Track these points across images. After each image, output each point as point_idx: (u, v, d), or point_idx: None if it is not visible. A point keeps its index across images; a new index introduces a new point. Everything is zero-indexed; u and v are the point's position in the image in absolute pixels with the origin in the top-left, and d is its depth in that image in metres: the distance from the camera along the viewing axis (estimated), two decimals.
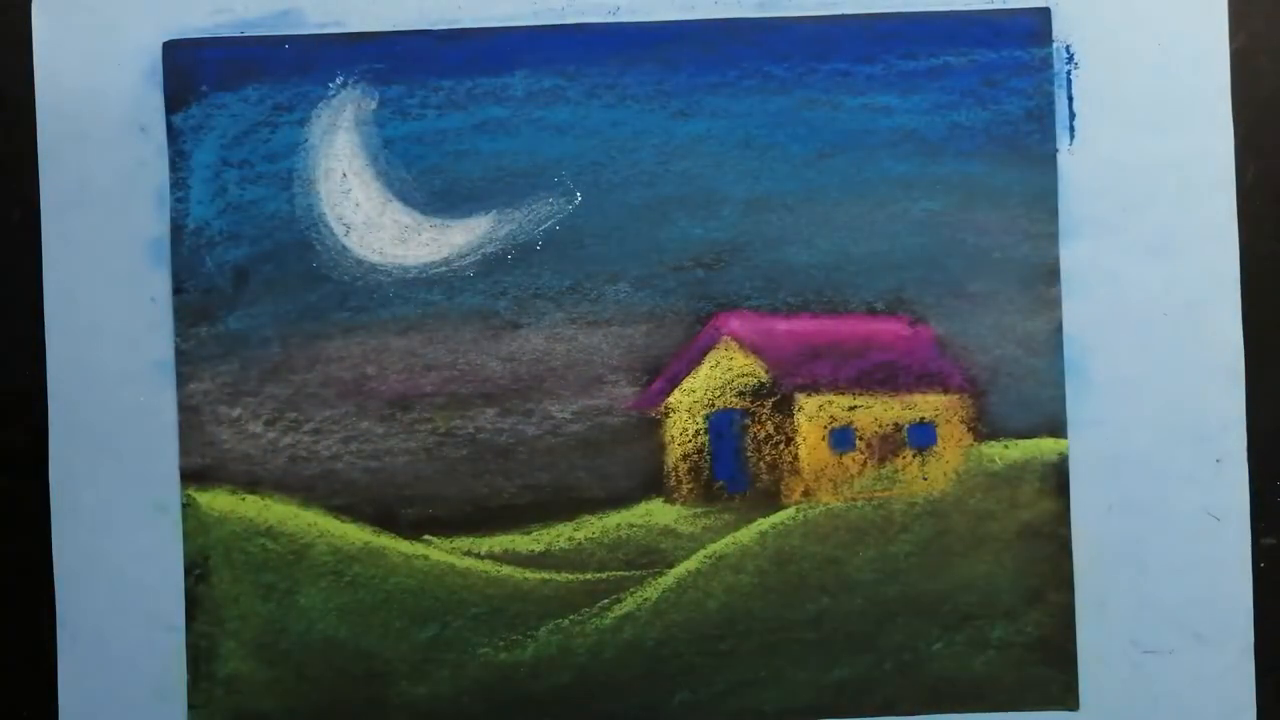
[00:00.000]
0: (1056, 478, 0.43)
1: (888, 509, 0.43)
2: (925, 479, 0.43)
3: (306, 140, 0.43)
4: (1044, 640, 0.43)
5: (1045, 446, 0.43)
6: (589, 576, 0.43)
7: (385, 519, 0.43)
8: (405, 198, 0.43)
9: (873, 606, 0.43)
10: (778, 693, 0.43)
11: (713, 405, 0.43)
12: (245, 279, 0.43)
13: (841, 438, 0.43)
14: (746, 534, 0.43)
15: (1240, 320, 0.43)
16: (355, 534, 0.43)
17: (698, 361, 0.43)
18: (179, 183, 0.43)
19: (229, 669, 0.43)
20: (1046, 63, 0.43)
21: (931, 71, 0.43)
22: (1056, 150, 0.43)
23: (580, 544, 0.43)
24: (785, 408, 0.43)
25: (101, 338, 0.43)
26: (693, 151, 0.43)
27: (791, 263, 0.43)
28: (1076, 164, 0.43)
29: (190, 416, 0.43)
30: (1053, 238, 0.43)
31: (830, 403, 0.43)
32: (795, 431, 0.43)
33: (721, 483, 0.43)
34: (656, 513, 0.43)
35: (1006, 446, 0.43)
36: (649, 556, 0.43)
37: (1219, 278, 0.43)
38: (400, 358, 0.43)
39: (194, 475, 0.43)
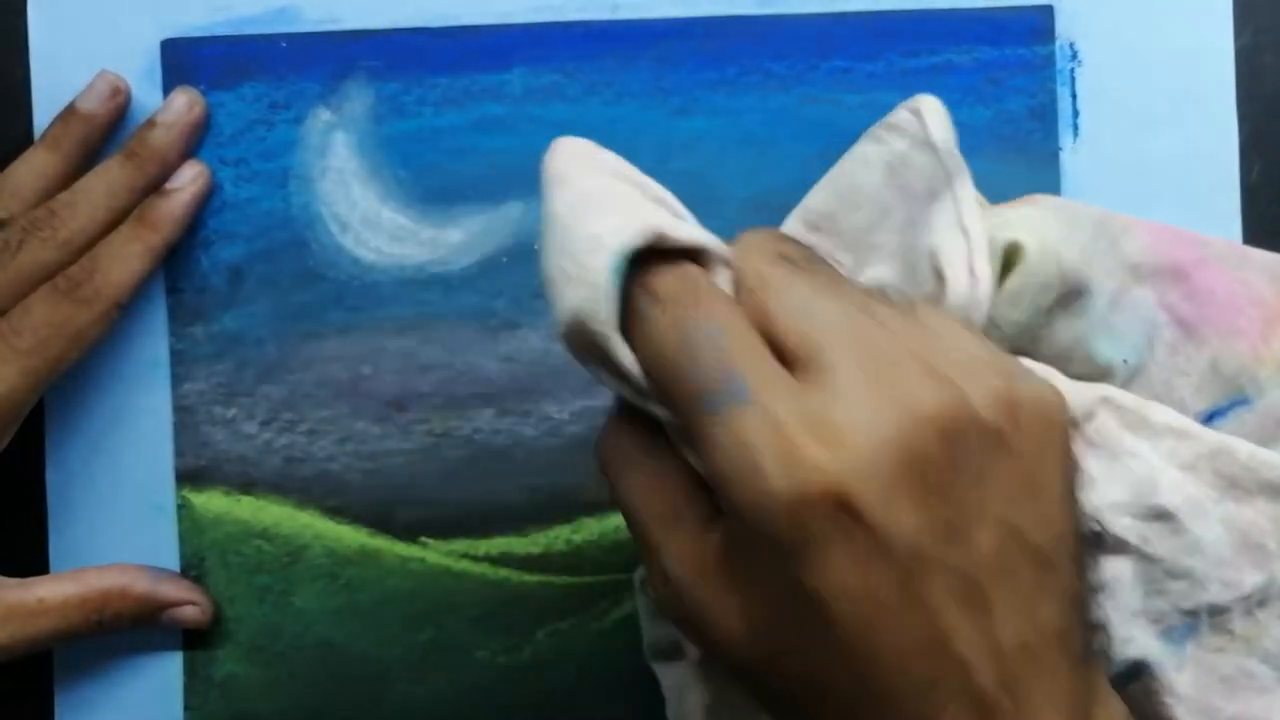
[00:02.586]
0: None
1: None
2: None
3: (303, 138, 0.43)
4: None
5: None
6: (587, 579, 0.43)
7: (381, 521, 0.43)
8: (402, 196, 0.43)
9: None
10: None
11: None
12: (240, 278, 0.43)
13: None
14: None
15: None
16: (351, 536, 0.43)
17: None
18: None
19: (225, 671, 0.43)
20: (1050, 60, 0.43)
21: (933, 69, 0.43)
22: (1060, 148, 0.43)
23: (579, 547, 0.43)
24: None
25: None
26: (692, 149, 0.43)
27: None
28: (1080, 162, 0.43)
29: (185, 417, 0.43)
30: None
31: None
32: None
33: None
34: None
35: None
36: None
37: None
38: (396, 358, 0.43)
39: (189, 476, 0.43)
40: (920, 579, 0.27)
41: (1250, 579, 0.35)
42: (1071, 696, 0.29)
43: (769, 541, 0.27)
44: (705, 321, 0.28)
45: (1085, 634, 0.30)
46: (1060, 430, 0.30)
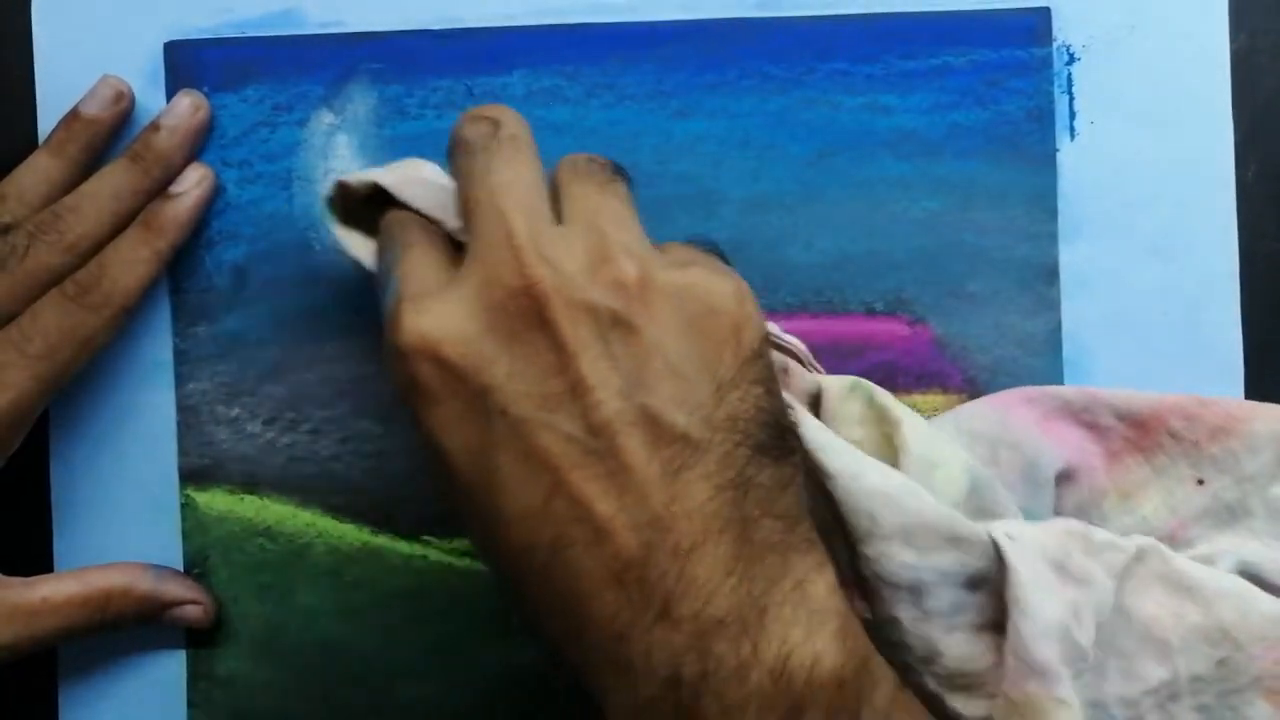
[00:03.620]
0: None
1: None
2: None
3: (306, 140, 0.43)
4: None
5: None
6: None
7: (384, 519, 0.43)
8: None
9: None
10: None
11: None
12: (244, 278, 0.43)
13: None
14: None
15: (1240, 320, 0.43)
16: (354, 534, 0.43)
17: None
18: None
19: (228, 669, 0.43)
20: (1047, 62, 0.43)
21: (931, 71, 0.43)
22: (1056, 150, 0.43)
23: None
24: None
25: None
26: (691, 151, 0.43)
27: (790, 262, 0.43)
28: (1077, 164, 0.43)
29: (189, 416, 0.43)
30: (1052, 237, 0.43)
31: None
32: None
33: None
34: None
35: None
36: None
37: (1219, 277, 0.43)
38: None
39: (192, 475, 0.43)
40: (529, 438, 0.31)
41: (1155, 673, 0.36)
42: (738, 575, 0.30)
43: (399, 394, 0.33)
44: (391, 240, 0.35)
45: (772, 524, 0.31)
46: (718, 320, 0.32)
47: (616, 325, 0.31)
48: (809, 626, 0.30)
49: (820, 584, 0.31)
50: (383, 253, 0.36)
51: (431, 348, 0.31)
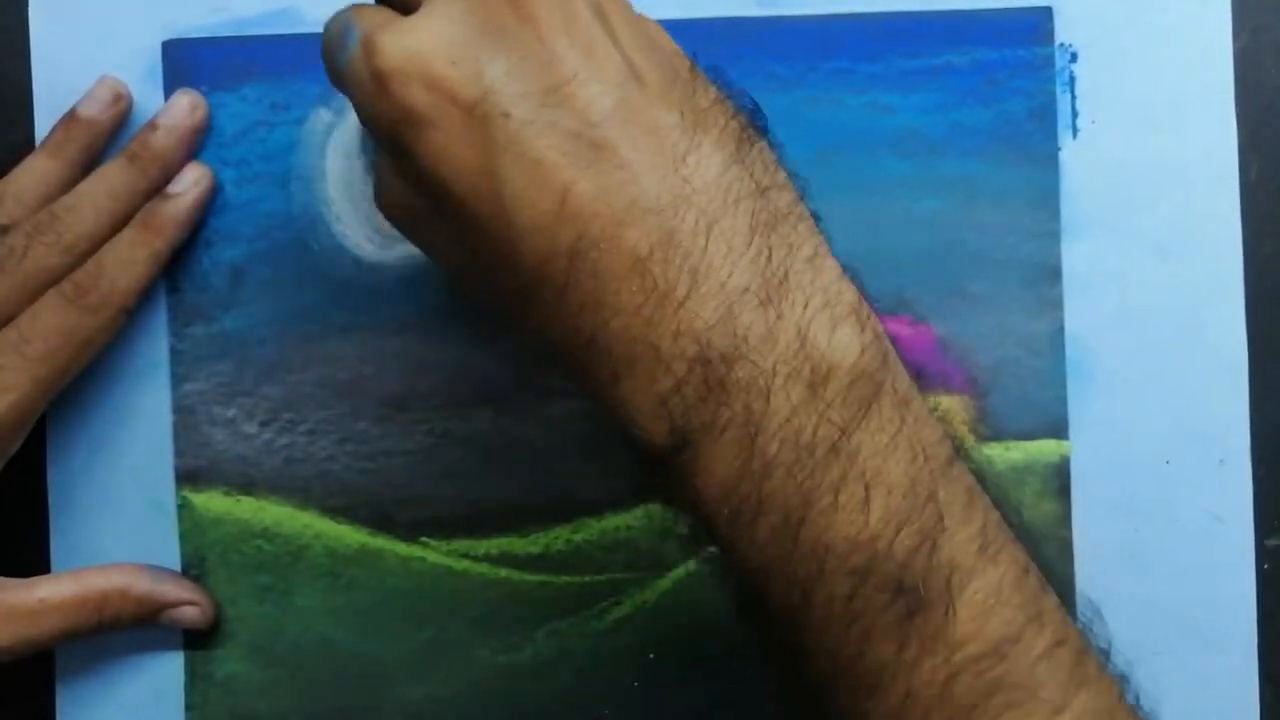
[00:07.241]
0: (1058, 480, 0.43)
1: None
2: None
3: (304, 139, 0.43)
4: None
5: (1047, 448, 0.43)
6: (587, 579, 0.43)
7: (382, 521, 0.43)
8: None
9: None
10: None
11: None
12: (241, 278, 0.43)
13: None
14: None
15: (1244, 320, 0.43)
16: (351, 535, 0.43)
17: None
18: None
19: (226, 670, 0.43)
20: (1049, 61, 0.43)
21: (933, 70, 0.43)
22: (1059, 149, 0.43)
23: (579, 546, 0.43)
24: None
25: None
26: None
27: None
28: (1079, 163, 0.43)
29: (185, 417, 0.43)
30: (1055, 237, 0.43)
31: None
32: None
33: None
34: (656, 515, 0.43)
35: (1008, 448, 0.43)
36: (648, 559, 0.43)
37: (1223, 277, 0.43)
38: (397, 357, 0.43)
39: (189, 476, 0.43)
40: (535, 139, 0.30)
41: None
42: (757, 245, 0.30)
43: (386, 134, 0.31)
44: (337, 16, 0.33)
45: (779, 193, 0.32)
46: (662, 38, 0.34)
47: (599, 16, 0.31)
48: (826, 298, 0.30)
49: (831, 262, 0.31)
50: (330, 25, 0.34)
51: (421, 65, 0.30)
